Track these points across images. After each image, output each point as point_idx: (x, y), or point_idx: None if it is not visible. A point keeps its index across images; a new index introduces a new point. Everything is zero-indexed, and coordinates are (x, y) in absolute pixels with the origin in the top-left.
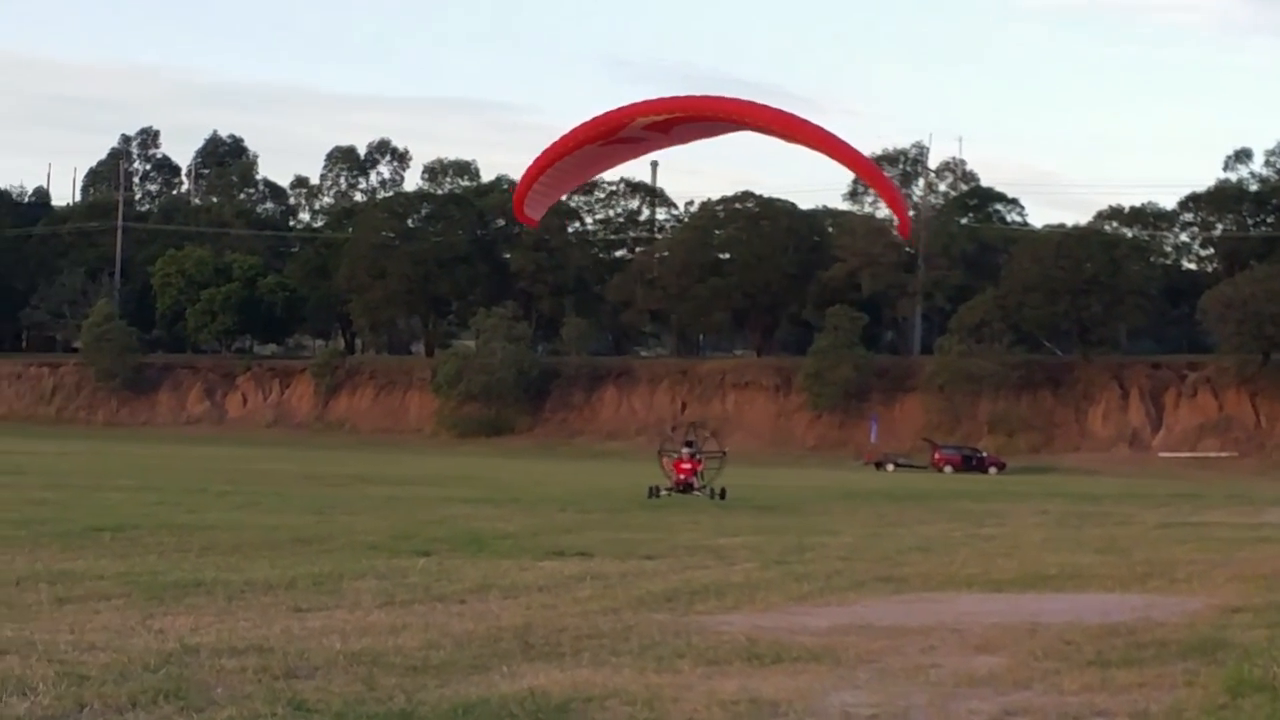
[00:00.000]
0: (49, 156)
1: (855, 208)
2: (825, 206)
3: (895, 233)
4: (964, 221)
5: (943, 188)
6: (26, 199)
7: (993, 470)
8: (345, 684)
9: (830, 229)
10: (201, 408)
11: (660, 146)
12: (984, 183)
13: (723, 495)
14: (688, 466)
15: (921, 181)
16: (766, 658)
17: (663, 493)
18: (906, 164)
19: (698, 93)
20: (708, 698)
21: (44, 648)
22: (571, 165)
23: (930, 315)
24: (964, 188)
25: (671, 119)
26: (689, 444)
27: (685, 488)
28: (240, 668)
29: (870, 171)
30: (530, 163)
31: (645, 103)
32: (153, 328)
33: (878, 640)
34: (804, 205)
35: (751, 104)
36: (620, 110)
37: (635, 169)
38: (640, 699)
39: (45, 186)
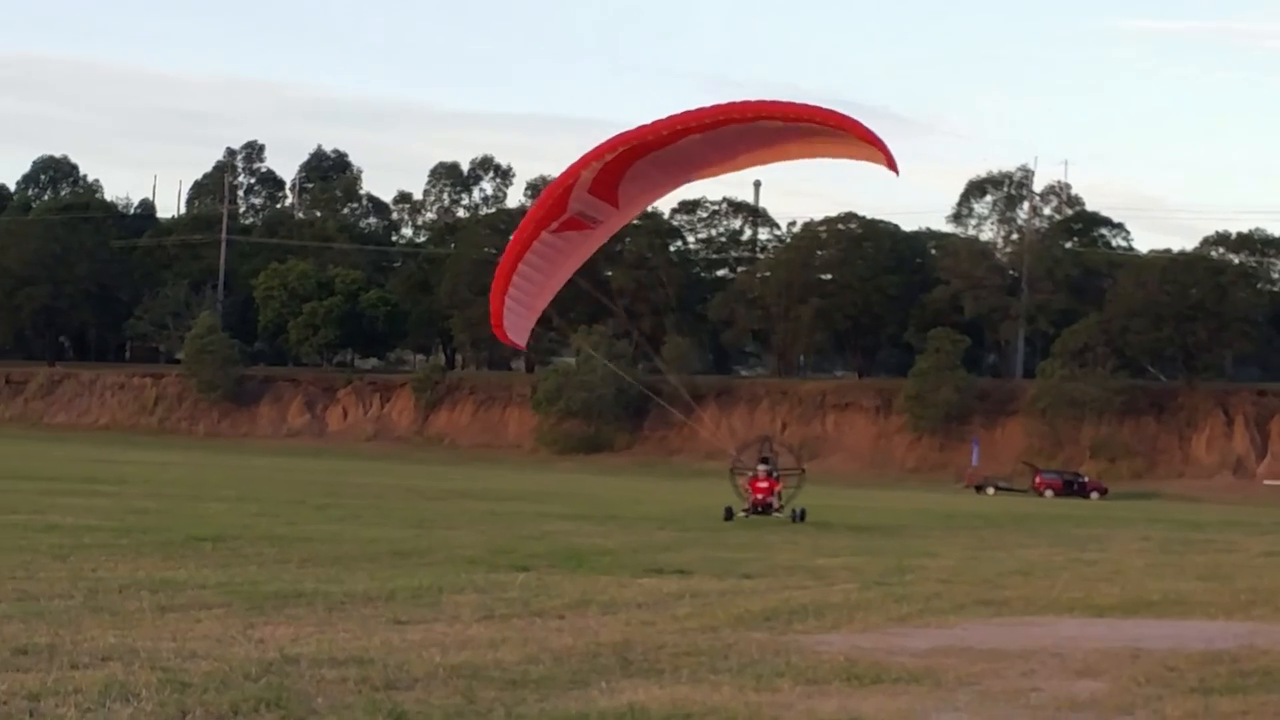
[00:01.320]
0: (155, 169)
1: (959, 230)
2: (928, 228)
3: (887, 170)
4: (1068, 245)
5: (1047, 211)
6: (132, 211)
7: (1094, 495)
8: (445, 696)
9: (933, 251)
10: (302, 420)
11: (614, 221)
12: (1089, 207)
13: (802, 517)
14: (765, 485)
15: (1026, 205)
16: (866, 678)
17: (738, 514)
18: (1011, 187)
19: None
20: (807, 717)
21: (147, 655)
22: (537, 266)
23: (1033, 339)
24: (1069, 212)
25: (613, 183)
26: (764, 460)
27: (764, 508)
28: (340, 678)
29: (829, 118)
30: (494, 279)
31: (586, 158)
32: (255, 340)
33: (978, 663)
34: (907, 227)
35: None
36: (564, 173)
37: (737, 188)
38: (740, 717)
39: (151, 199)
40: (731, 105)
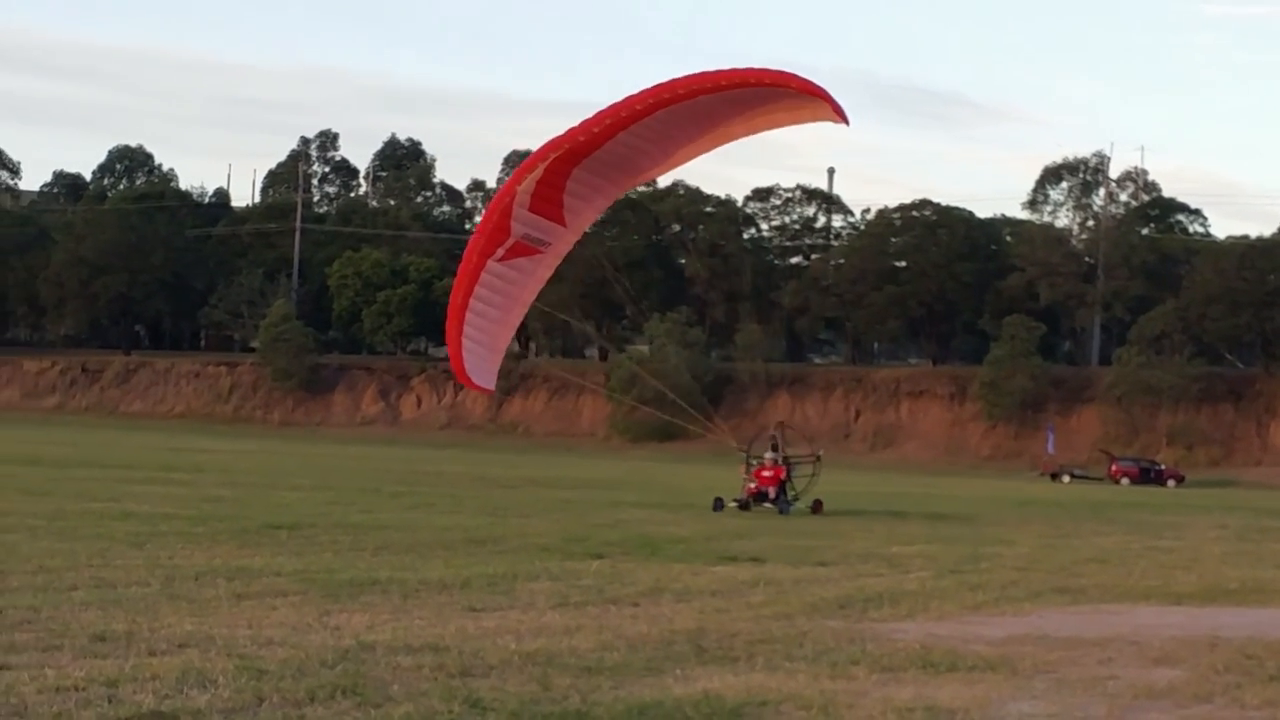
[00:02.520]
0: (229, 158)
1: (1034, 217)
2: (1003, 215)
3: (838, 122)
4: (1145, 232)
5: (1124, 198)
6: (207, 200)
7: (1171, 483)
8: (520, 683)
9: (1008, 238)
10: (376, 409)
11: (564, 241)
12: (1166, 193)
13: (816, 508)
14: (769, 474)
15: (1102, 191)
16: (941, 666)
17: (729, 504)
18: (1087, 173)
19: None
20: (883, 704)
21: (223, 642)
22: (491, 301)
23: (1109, 326)
24: (1145, 198)
25: (555, 199)
26: (775, 447)
27: (757, 498)
28: (416, 665)
29: (764, 76)
30: (447, 318)
31: (519, 172)
32: (329, 329)
33: (1054, 651)
34: (982, 214)
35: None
36: (500, 192)
37: (811, 175)
38: (815, 704)
39: (225, 188)
40: (659, 86)
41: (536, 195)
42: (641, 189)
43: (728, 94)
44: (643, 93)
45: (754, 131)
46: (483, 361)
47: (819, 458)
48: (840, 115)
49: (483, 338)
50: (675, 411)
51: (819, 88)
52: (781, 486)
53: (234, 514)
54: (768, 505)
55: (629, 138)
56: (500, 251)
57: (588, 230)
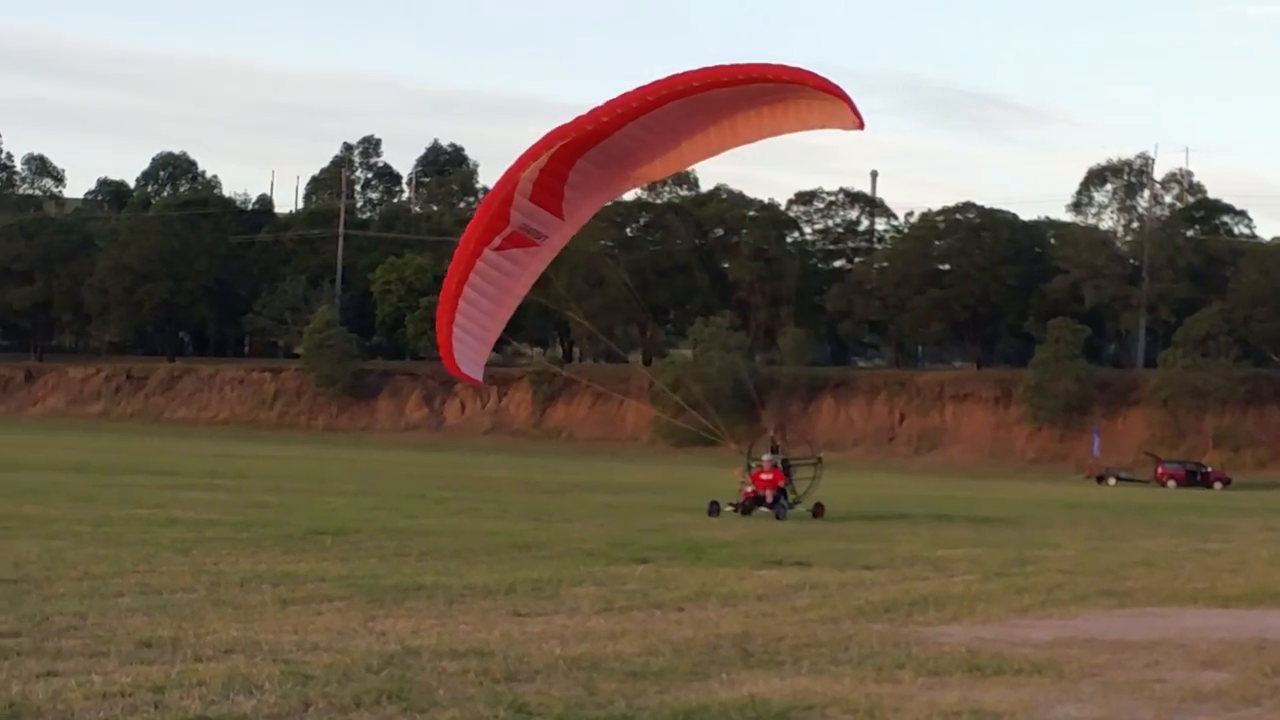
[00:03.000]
0: (273, 164)
1: (1078, 219)
2: (1047, 218)
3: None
4: (1190, 234)
5: (1168, 199)
6: (250, 206)
7: (1217, 485)
8: (566, 688)
9: (1052, 240)
10: (420, 414)
11: (561, 235)
12: (1211, 194)
13: (817, 512)
14: (768, 477)
15: (1147, 193)
16: (988, 669)
17: (725, 508)
18: (1132, 175)
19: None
20: (929, 708)
21: (269, 647)
22: (484, 290)
23: (1154, 328)
24: (1190, 199)
25: (556, 190)
26: (774, 449)
27: (754, 502)
28: (461, 670)
29: (781, 72)
30: (439, 305)
31: (524, 159)
32: (372, 334)
33: (1101, 654)
34: (1026, 216)
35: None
36: (502, 178)
37: (854, 179)
38: (861, 708)
39: (269, 194)
40: (673, 77)
41: (538, 185)
42: (683, 193)
43: (742, 89)
44: (655, 83)
45: (762, 135)
46: (471, 351)
47: (820, 460)
48: (857, 118)
49: (473, 328)
50: (714, 416)
51: (837, 87)
52: (781, 491)
53: (279, 520)
54: (764, 510)
55: (637, 130)
56: (497, 240)
57: (585, 226)
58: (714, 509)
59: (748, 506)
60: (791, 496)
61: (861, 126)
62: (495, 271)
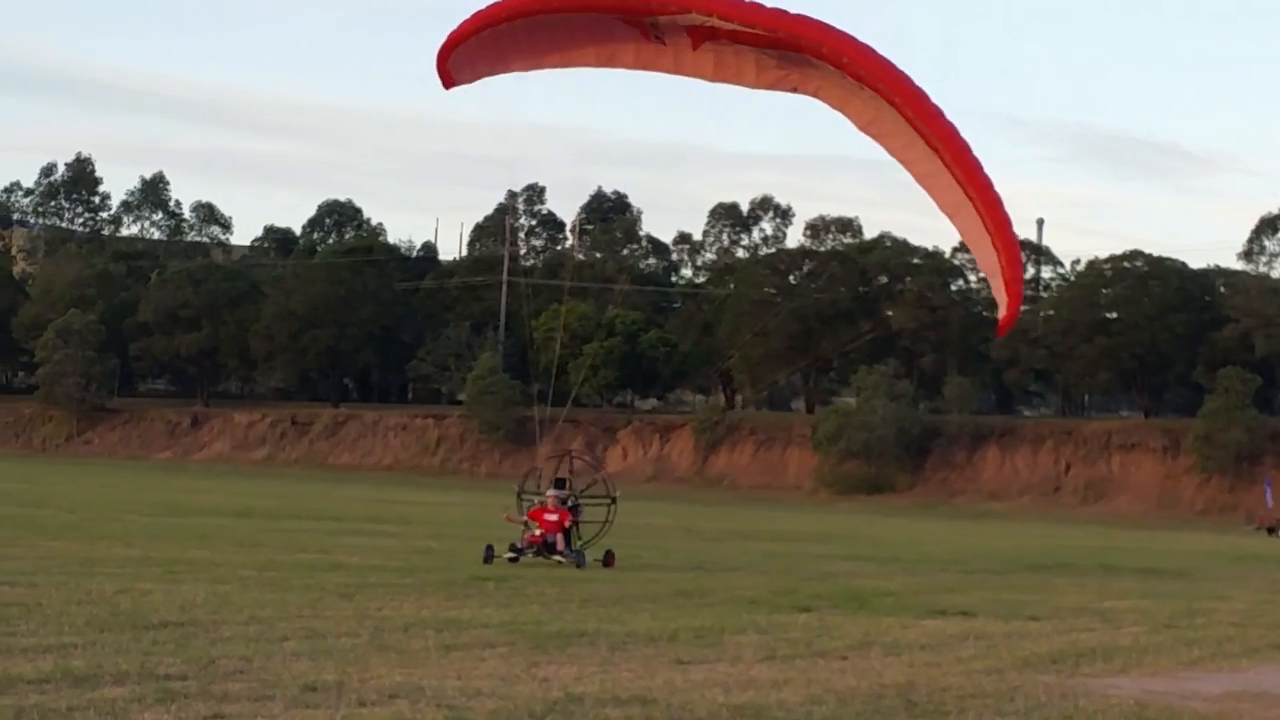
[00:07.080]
0: (438, 212)
1: (1249, 267)
2: (1217, 266)
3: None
4: None
5: None
6: (415, 253)
7: None
8: None
9: (1222, 289)
10: (582, 462)
11: (654, 63)
12: None
13: (607, 561)
14: (553, 518)
15: None
16: None
17: (502, 555)
18: None
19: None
20: None
21: (432, 693)
22: (532, 29)
23: None
24: None
25: (688, 24)
26: (559, 483)
27: (544, 547)
28: (624, 717)
29: (982, 191)
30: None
31: None
32: (534, 381)
33: (1273, 708)
34: (1195, 264)
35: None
36: None
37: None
38: None
39: (433, 241)
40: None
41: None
42: (847, 240)
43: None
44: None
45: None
46: (474, 63)
47: (614, 500)
48: (1005, 321)
49: (501, 50)
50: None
51: (1017, 260)
52: (567, 534)
53: (442, 566)
54: (558, 559)
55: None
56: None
57: None
58: (489, 555)
59: (537, 550)
60: (577, 542)
61: (1007, 327)
62: (557, 25)
